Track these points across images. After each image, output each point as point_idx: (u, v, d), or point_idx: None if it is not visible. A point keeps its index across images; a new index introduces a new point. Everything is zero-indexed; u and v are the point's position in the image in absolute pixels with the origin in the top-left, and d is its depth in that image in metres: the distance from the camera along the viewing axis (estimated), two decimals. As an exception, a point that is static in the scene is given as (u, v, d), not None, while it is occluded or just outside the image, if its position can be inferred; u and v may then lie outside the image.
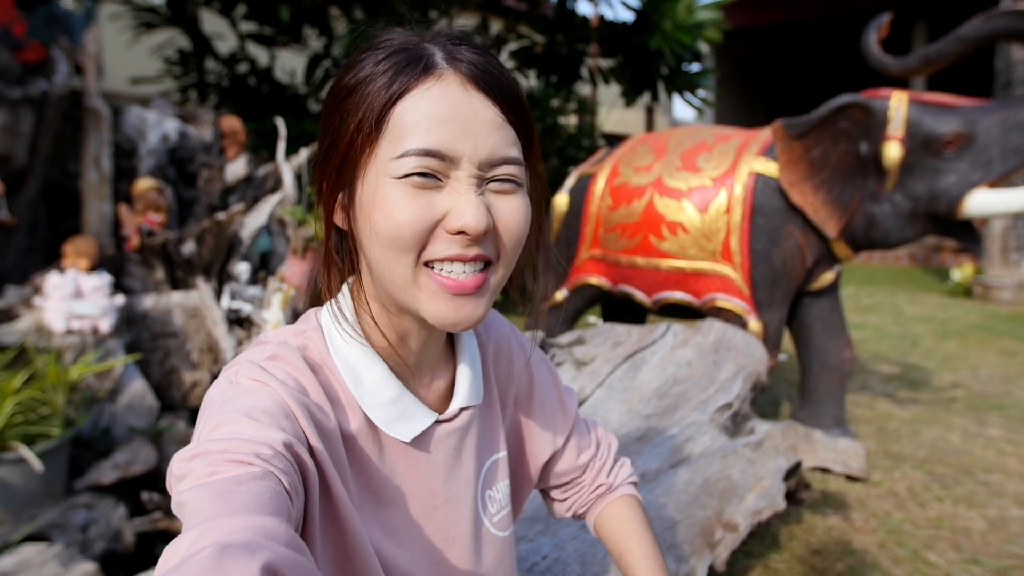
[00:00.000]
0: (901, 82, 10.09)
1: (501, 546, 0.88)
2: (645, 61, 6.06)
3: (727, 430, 2.50)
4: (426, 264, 0.67)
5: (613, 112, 11.05)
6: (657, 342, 3.00)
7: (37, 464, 2.29)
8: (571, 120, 9.25)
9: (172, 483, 0.58)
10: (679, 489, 2.07)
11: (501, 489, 0.91)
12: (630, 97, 6.54)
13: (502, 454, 0.91)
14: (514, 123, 0.69)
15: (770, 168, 3.32)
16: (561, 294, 4.17)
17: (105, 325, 2.75)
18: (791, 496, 2.70)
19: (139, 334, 3.01)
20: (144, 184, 3.15)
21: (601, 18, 6.61)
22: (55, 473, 2.43)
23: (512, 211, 0.69)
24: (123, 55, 6.57)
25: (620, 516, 1.01)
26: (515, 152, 0.68)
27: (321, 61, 5.87)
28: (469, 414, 0.84)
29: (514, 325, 1.01)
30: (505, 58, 6.95)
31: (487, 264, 0.69)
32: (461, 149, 0.65)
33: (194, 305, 3.11)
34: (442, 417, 0.80)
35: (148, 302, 3.06)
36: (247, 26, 6.12)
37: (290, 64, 6.63)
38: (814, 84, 16.06)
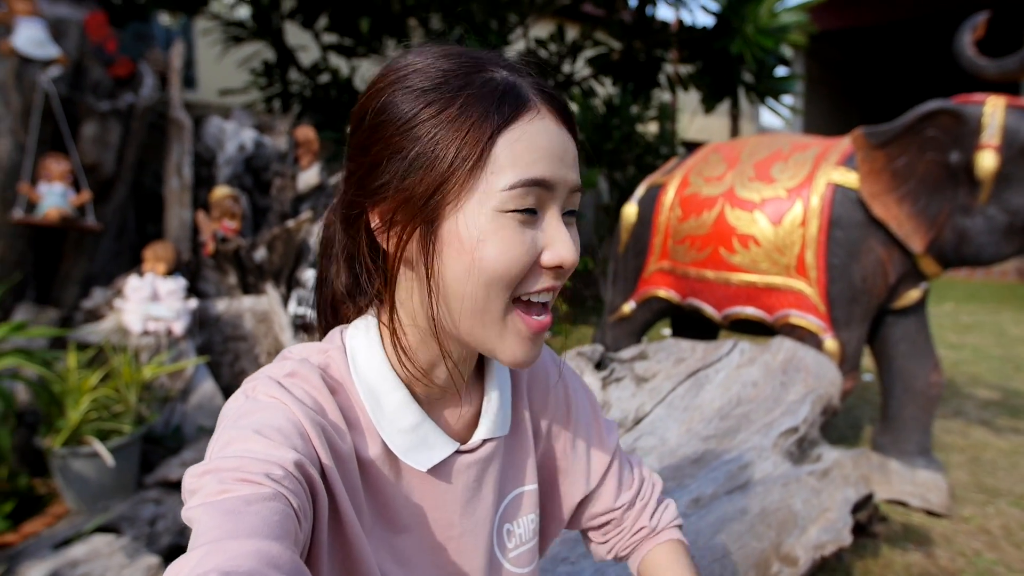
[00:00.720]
0: (1010, 86, 9.43)
1: None
2: (725, 66, 5.89)
3: (791, 456, 2.37)
4: (514, 300, 0.67)
5: (696, 119, 10.79)
6: (722, 360, 2.89)
7: (109, 459, 2.40)
8: (649, 128, 9.10)
9: (185, 497, 0.58)
10: (733, 517, 1.97)
11: (524, 524, 0.87)
12: (709, 104, 6.37)
13: (529, 487, 0.88)
14: (579, 154, 0.71)
15: (850, 179, 3.14)
16: (629, 306, 4.08)
17: (179, 327, 2.87)
18: (863, 529, 2.54)
19: (211, 336, 3.13)
20: (220, 192, 3.28)
21: (680, 23, 6.47)
22: (126, 468, 2.55)
23: (577, 243, 0.70)
24: (217, 68, 6.91)
25: (665, 562, 0.96)
26: (580, 185, 0.70)
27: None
28: (493, 445, 0.81)
29: (551, 348, 0.96)
30: (581, 65, 6.91)
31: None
32: (559, 178, 0.66)
33: (263, 310, 3.21)
34: (464, 447, 0.78)
35: (221, 306, 3.18)
36: (329, 38, 6.31)
37: (370, 74, 6.79)
38: (911, 88, 15.21)
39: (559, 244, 0.66)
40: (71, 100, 3.15)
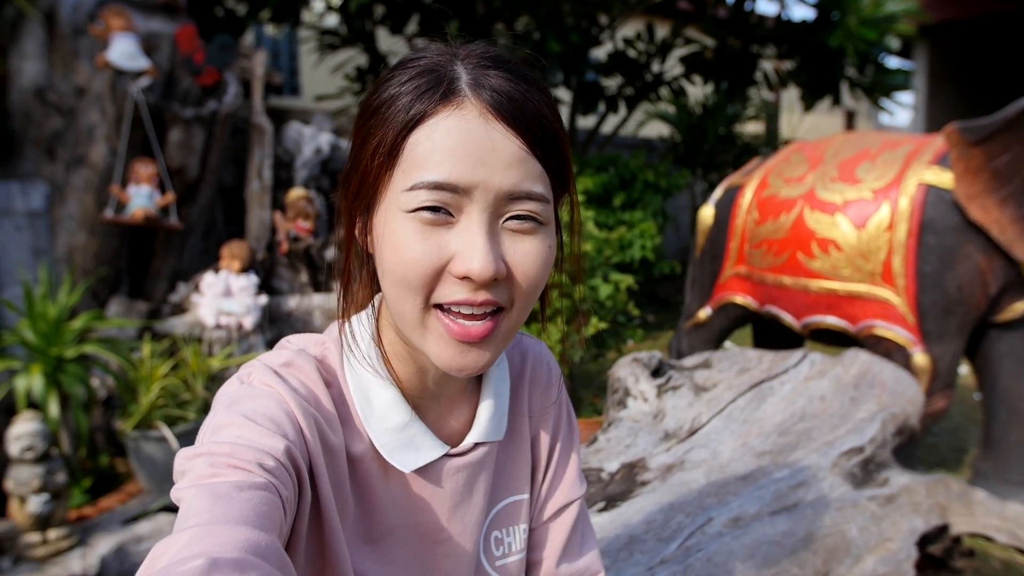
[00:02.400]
0: None
1: None
2: (825, 61, 5.55)
3: (853, 478, 2.19)
4: (435, 305, 0.64)
5: (806, 119, 10.27)
6: (789, 371, 2.72)
7: (175, 443, 2.55)
8: (747, 128, 8.74)
9: (176, 478, 0.59)
10: (774, 540, 1.84)
11: (515, 533, 0.84)
12: (808, 102, 6.04)
13: (523, 496, 0.85)
14: (541, 156, 0.63)
15: (944, 179, 2.88)
16: (704, 312, 3.93)
17: (248, 322, 3.01)
18: (941, 564, 2.31)
19: (281, 331, 3.26)
20: (295, 194, 3.42)
21: (778, 17, 6.17)
22: (193, 454, 2.70)
23: (528, 255, 0.64)
24: (320, 75, 7.23)
25: None
26: (539, 188, 0.63)
27: (486, 74, 6.02)
28: (485, 450, 0.78)
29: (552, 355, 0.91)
30: (672, 64, 6.73)
31: (497, 310, 0.65)
32: (474, 181, 0.60)
33: (333, 307, 3.31)
34: (454, 451, 0.76)
35: (292, 302, 3.31)
36: (419, 42, 6.47)
37: None
38: (1056, 81, 13.80)
39: (466, 252, 0.60)
40: (160, 108, 3.39)
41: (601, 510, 1.89)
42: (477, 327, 0.63)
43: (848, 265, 3.11)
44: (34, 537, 2.43)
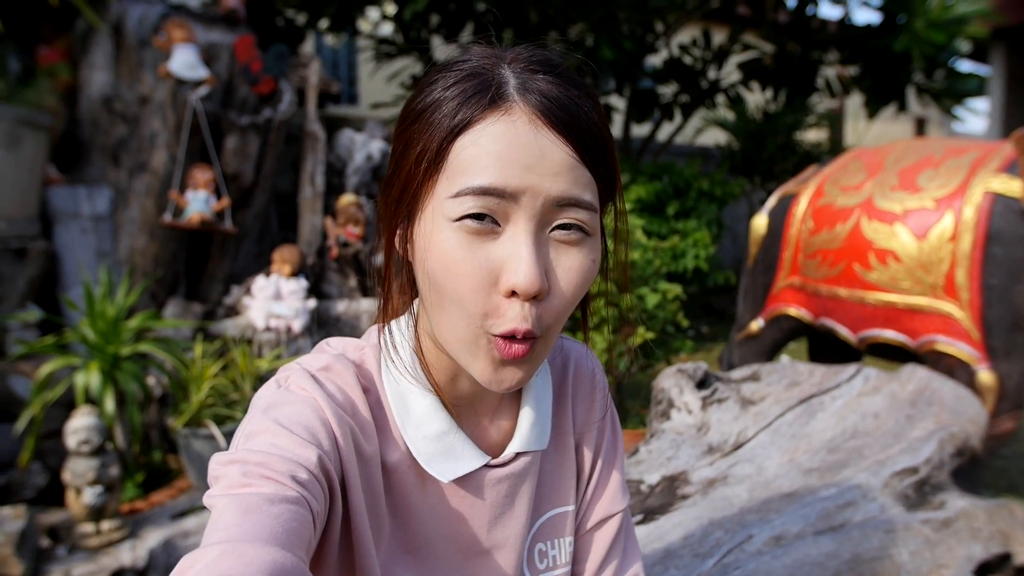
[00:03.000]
0: None
1: None
2: (890, 66, 5.36)
3: (906, 500, 2.09)
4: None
5: (872, 126, 9.93)
6: (841, 386, 2.61)
7: (223, 441, 2.61)
8: (808, 136, 8.50)
9: (210, 482, 0.60)
10: (816, 561, 1.76)
11: (560, 546, 0.82)
12: (872, 108, 5.83)
13: (569, 508, 0.82)
14: (590, 164, 0.62)
15: (1013, 188, 2.74)
16: (757, 324, 3.83)
17: (297, 325, 3.07)
18: (1001, 595, 2.18)
19: (329, 335, 3.32)
20: (346, 200, 3.48)
21: (840, 21, 5.99)
22: (239, 452, 2.77)
23: (571, 270, 0.62)
24: (378, 84, 7.37)
25: None
26: (587, 196, 0.62)
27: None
28: (527, 460, 0.76)
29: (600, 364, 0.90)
30: (729, 70, 6.60)
31: None
32: (522, 187, 0.59)
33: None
34: (495, 461, 0.74)
35: (340, 307, 3.36)
36: (462, 45, 6.52)
37: None
38: None
39: (513, 264, 0.58)
40: (217, 116, 3.51)
41: (639, 523, 1.85)
42: (521, 347, 0.62)
43: (908, 277, 2.98)
44: (88, 527, 2.53)
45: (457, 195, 0.59)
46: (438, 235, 0.60)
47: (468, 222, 0.59)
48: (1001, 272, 2.75)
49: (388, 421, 0.70)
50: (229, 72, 3.68)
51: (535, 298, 0.60)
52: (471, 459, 0.72)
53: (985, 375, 2.83)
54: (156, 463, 2.98)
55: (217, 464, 0.58)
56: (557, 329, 0.65)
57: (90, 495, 2.48)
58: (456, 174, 0.59)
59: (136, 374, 2.65)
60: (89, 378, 2.62)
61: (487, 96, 0.60)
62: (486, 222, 0.59)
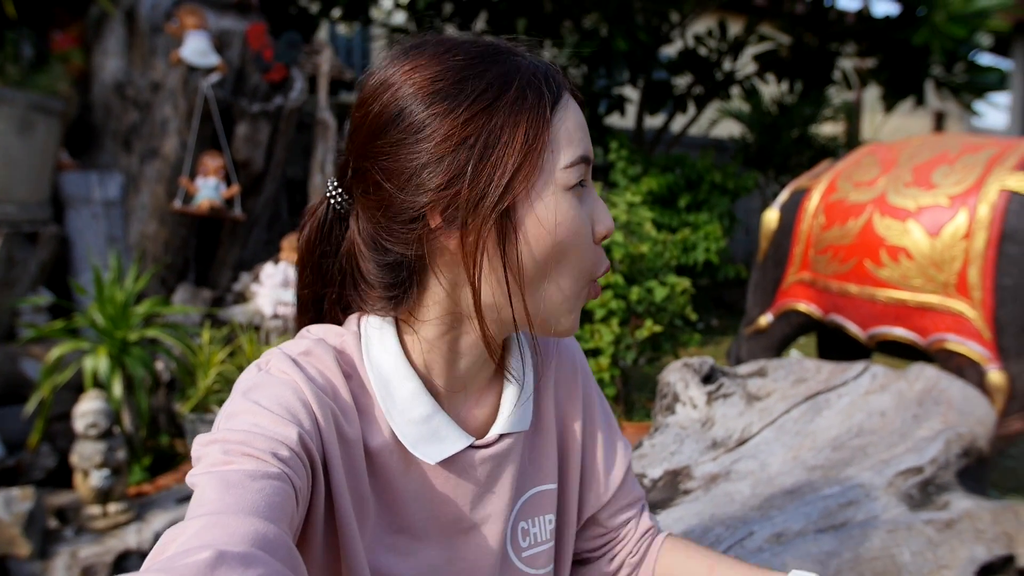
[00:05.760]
0: None
1: None
2: (908, 59, 5.28)
3: (910, 500, 2.08)
4: None
5: (890, 120, 9.81)
6: (848, 383, 2.60)
7: (228, 428, 2.64)
8: (823, 129, 8.40)
9: (193, 463, 0.60)
10: (816, 559, 1.76)
11: (540, 524, 0.83)
12: (890, 102, 5.76)
13: (550, 486, 0.84)
14: None
15: (1030, 185, 2.70)
16: (765, 319, 3.81)
17: (304, 312, 3.09)
18: (1004, 597, 2.17)
19: (336, 323, 3.34)
20: (354, 187, 3.48)
21: (859, 13, 5.91)
22: (245, 438, 2.79)
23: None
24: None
25: (688, 548, 0.91)
26: None
27: (551, 71, 6.00)
28: (511, 441, 0.78)
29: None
30: (744, 62, 6.54)
31: None
32: (591, 154, 0.69)
33: (385, 300, 3.37)
34: (479, 442, 0.75)
35: (347, 295, 3.38)
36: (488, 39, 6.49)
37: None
38: None
39: (599, 214, 0.69)
40: (228, 103, 3.52)
41: (640, 517, 1.85)
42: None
43: (919, 275, 2.95)
44: (95, 510, 2.56)
45: (570, 165, 0.65)
46: (563, 204, 0.65)
47: (578, 187, 0.66)
48: (1015, 271, 2.72)
49: (372, 405, 0.70)
50: (241, 59, 3.68)
51: None
52: (456, 441, 0.72)
53: (996, 375, 2.80)
54: (163, 447, 3.01)
55: (199, 445, 0.59)
56: None
57: (97, 478, 2.52)
58: (561, 147, 0.65)
59: (144, 359, 2.67)
60: (97, 362, 2.64)
61: (556, 79, 0.67)
62: (583, 186, 0.67)
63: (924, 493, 2.13)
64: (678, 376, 2.51)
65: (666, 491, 2.03)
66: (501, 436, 0.76)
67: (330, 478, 0.64)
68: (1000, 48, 10.16)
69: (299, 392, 0.63)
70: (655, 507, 1.94)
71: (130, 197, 3.55)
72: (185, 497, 2.70)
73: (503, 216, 0.64)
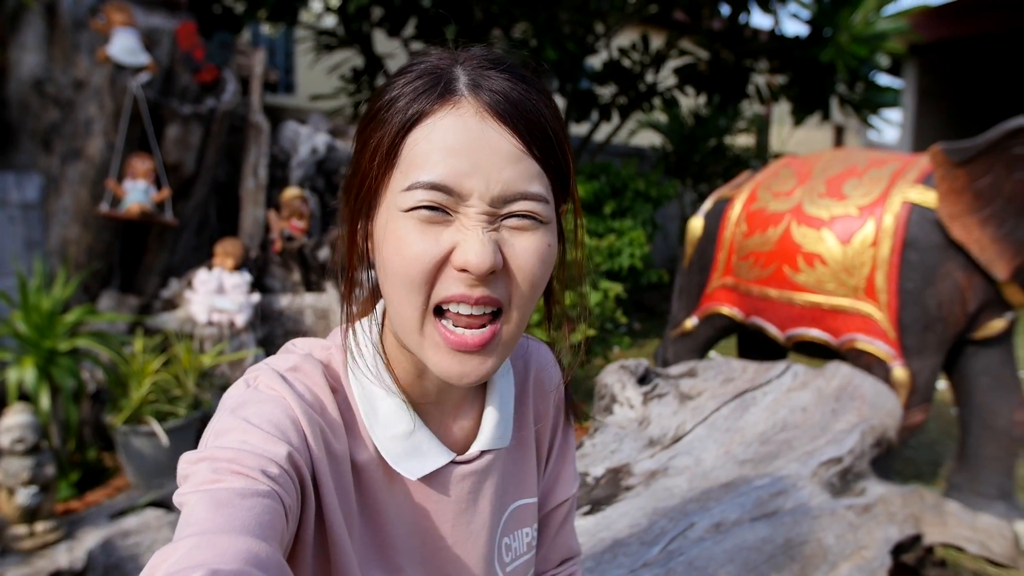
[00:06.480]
0: None
1: None
2: (816, 77, 5.64)
3: (831, 488, 2.25)
4: (436, 311, 0.64)
5: (795, 133, 10.37)
6: (772, 382, 2.77)
7: (164, 438, 2.56)
8: (737, 140, 8.82)
9: (179, 482, 0.59)
10: (753, 546, 1.89)
11: (520, 537, 0.85)
12: (799, 116, 6.11)
13: (530, 500, 0.86)
14: (539, 156, 0.64)
15: (928, 198, 2.95)
16: (691, 322, 3.98)
17: (240, 320, 3.03)
18: (913, 572, 2.37)
19: (272, 330, 3.28)
20: (290, 193, 3.44)
21: (771, 32, 6.25)
22: (182, 448, 2.70)
23: (526, 250, 0.64)
24: (315, 75, 7.24)
25: None
26: (536, 187, 0.63)
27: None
28: (491, 457, 0.79)
29: (554, 358, 0.93)
30: (666, 75, 6.79)
31: (497, 313, 0.65)
32: (470, 185, 0.61)
33: (323, 307, 3.33)
34: (460, 458, 0.76)
35: (284, 301, 3.33)
36: (416, 45, 6.49)
37: None
38: (1043, 103, 13.96)
39: (464, 244, 0.61)
40: (158, 104, 3.40)
41: (586, 514, 1.93)
42: (475, 336, 0.63)
43: (832, 279, 3.16)
44: (21, 529, 2.44)
45: (409, 188, 0.61)
46: (392, 224, 0.62)
47: (421, 211, 0.61)
48: (916, 276, 2.96)
49: (356, 421, 0.71)
50: (170, 59, 3.57)
51: (491, 276, 0.62)
52: (437, 456, 0.73)
53: (899, 371, 3.03)
54: (91, 461, 2.88)
55: (186, 463, 0.58)
56: (522, 314, 0.66)
57: (24, 496, 2.40)
58: (409, 168, 0.61)
59: (72, 369, 2.56)
60: (23, 373, 2.52)
61: (436, 91, 0.62)
62: (438, 212, 0.61)
63: (844, 481, 2.30)
64: (615, 378, 2.62)
65: (609, 488, 2.13)
66: (482, 452, 0.77)
67: (320, 495, 0.64)
68: (893, 69, 10.94)
69: (288, 410, 0.63)
70: (600, 503, 2.03)
71: (50, 199, 3.37)
72: (117, 513, 2.61)
73: (365, 226, 0.67)
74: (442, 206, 0.61)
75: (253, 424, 0.60)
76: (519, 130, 0.62)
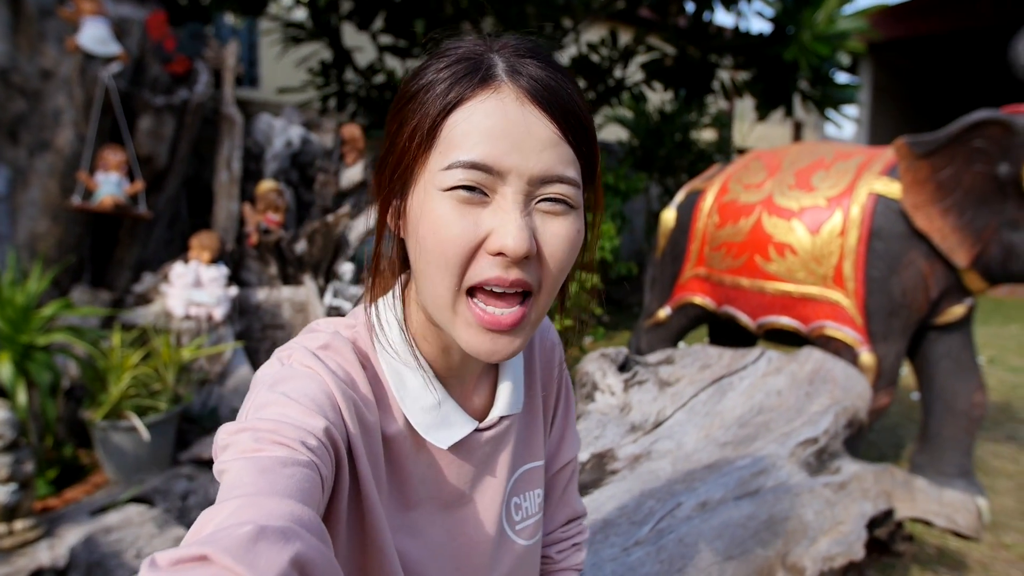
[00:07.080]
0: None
1: (522, 554, 0.88)
2: (779, 74, 5.78)
3: (808, 467, 2.34)
4: (468, 292, 0.66)
5: (756, 128, 10.59)
6: (748, 367, 2.85)
7: (145, 433, 2.53)
8: (703, 135, 8.97)
9: (216, 452, 0.61)
10: (739, 523, 1.95)
11: (531, 498, 0.89)
12: (763, 111, 6.26)
13: (538, 463, 0.90)
14: (573, 143, 0.66)
15: (893, 189, 3.06)
16: (664, 312, 4.06)
17: (218, 313, 3.00)
18: (884, 546, 2.47)
19: (250, 324, 3.26)
20: (265, 186, 3.41)
21: (736, 29, 6.38)
22: (162, 444, 2.67)
23: (557, 236, 0.66)
24: (280, 67, 7.14)
25: None
26: (571, 172, 0.66)
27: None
28: (508, 422, 0.83)
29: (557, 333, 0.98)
30: (633, 70, 6.88)
31: (526, 295, 0.67)
32: (509, 163, 0.63)
33: (301, 300, 3.32)
34: (481, 425, 0.80)
35: (261, 295, 3.30)
36: (385, 39, 6.46)
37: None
38: (984, 99, 14.49)
39: (501, 229, 0.62)
40: (130, 95, 3.33)
41: (575, 497, 1.98)
42: (508, 316, 0.66)
43: (802, 268, 3.26)
44: (0, 528, 2.39)
45: (449, 167, 0.63)
46: (430, 203, 0.64)
47: (459, 192, 0.63)
48: (881, 264, 3.07)
49: (386, 395, 0.74)
50: (140, 49, 3.50)
51: (525, 260, 0.64)
52: (463, 425, 0.77)
53: (866, 356, 3.14)
54: (67, 458, 2.83)
55: (225, 434, 0.60)
56: (549, 295, 0.69)
57: (2, 493, 2.35)
58: (449, 148, 0.63)
59: (49, 364, 2.51)
60: (-2, 369, 2.47)
61: (478, 76, 0.64)
62: (476, 193, 0.63)
63: (820, 460, 2.39)
64: (596, 366, 2.68)
65: (595, 472, 2.18)
66: (501, 418, 0.82)
67: (356, 467, 0.67)
68: (850, 67, 11.24)
69: (323, 385, 0.66)
70: (587, 487, 2.08)
71: (18, 192, 3.28)
72: (98, 509, 2.57)
73: (400, 204, 0.69)
74: (480, 185, 0.63)
75: (292, 398, 0.62)
76: (556, 116, 0.64)
